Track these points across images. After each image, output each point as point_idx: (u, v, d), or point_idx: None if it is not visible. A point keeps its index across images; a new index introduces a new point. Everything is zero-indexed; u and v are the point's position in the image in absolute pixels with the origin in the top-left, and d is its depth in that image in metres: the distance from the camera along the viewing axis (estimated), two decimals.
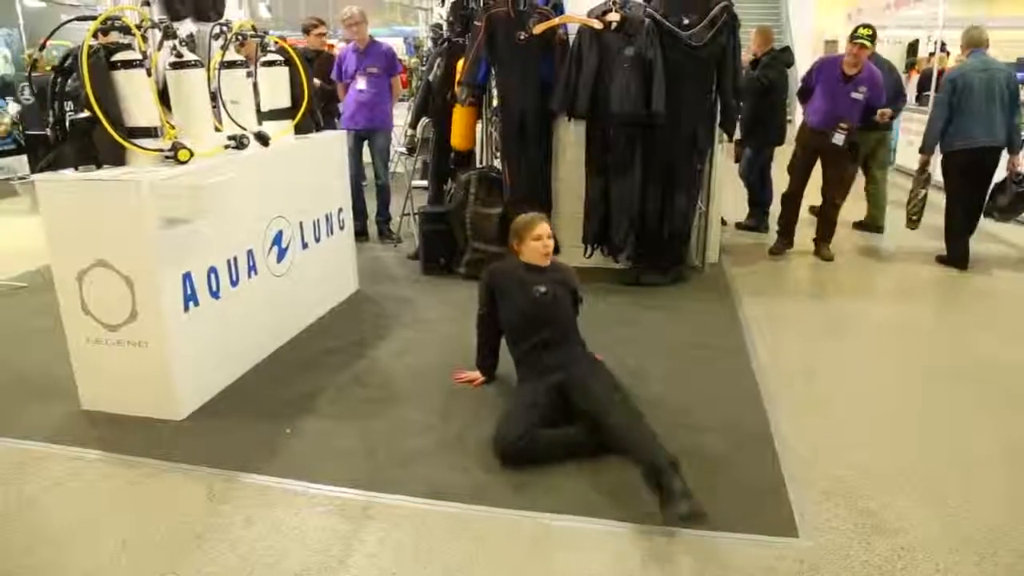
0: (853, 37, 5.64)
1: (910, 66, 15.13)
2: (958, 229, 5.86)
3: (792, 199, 6.17)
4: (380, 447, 3.17)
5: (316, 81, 5.43)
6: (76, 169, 3.24)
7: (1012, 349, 4.24)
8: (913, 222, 6.14)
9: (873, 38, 5.58)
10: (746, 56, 6.48)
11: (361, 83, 6.25)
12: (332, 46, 7.03)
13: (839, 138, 5.71)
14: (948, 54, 12.70)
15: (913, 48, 17.44)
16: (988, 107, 5.51)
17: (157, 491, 2.89)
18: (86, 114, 3.14)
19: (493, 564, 2.47)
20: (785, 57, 6.76)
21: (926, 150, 5.83)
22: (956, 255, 5.84)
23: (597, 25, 4.96)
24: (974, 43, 5.78)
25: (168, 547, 2.54)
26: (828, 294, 5.39)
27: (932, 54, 12.11)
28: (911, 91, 11.76)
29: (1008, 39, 16.11)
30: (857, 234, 6.89)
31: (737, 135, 6.28)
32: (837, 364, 4.10)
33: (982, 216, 5.90)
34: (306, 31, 6.84)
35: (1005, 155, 5.68)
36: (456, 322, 4.60)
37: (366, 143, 6.52)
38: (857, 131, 5.78)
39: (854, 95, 5.65)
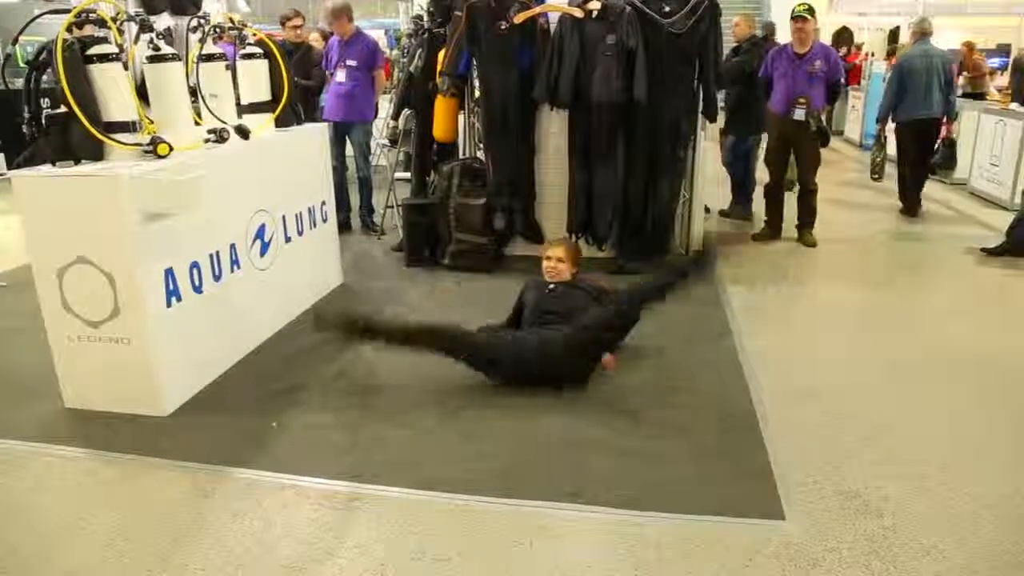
0: (792, 16, 5.89)
1: (891, 53, 15.21)
2: (911, 186, 7.18)
3: (774, 190, 6.23)
4: (367, 439, 3.17)
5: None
6: (54, 165, 3.20)
7: (988, 334, 4.29)
8: (876, 178, 7.60)
9: (811, 11, 5.84)
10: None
11: (340, 75, 6.23)
12: (305, 38, 6.96)
13: (799, 113, 5.86)
14: None
15: (894, 35, 17.52)
16: (928, 86, 6.71)
17: (143, 487, 2.87)
18: (62, 109, 3.10)
19: (483, 554, 2.48)
20: (766, 44, 6.79)
21: (881, 121, 7.13)
22: (910, 206, 7.16)
23: (578, 13, 4.96)
24: (922, 33, 6.98)
25: (155, 543, 2.53)
26: (811, 280, 5.43)
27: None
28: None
29: (988, 25, 16.23)
30: (840, 219, 6.93)
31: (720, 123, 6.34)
32: (822, 349, 4.13)
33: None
34: (282, 23, 6.78)
35: None
36: (441, 313, 4.58)
37: (347, 135, 6.48)
38: (822, 112, 5.95)
39: (808, 69, 5.83)
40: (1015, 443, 3.12)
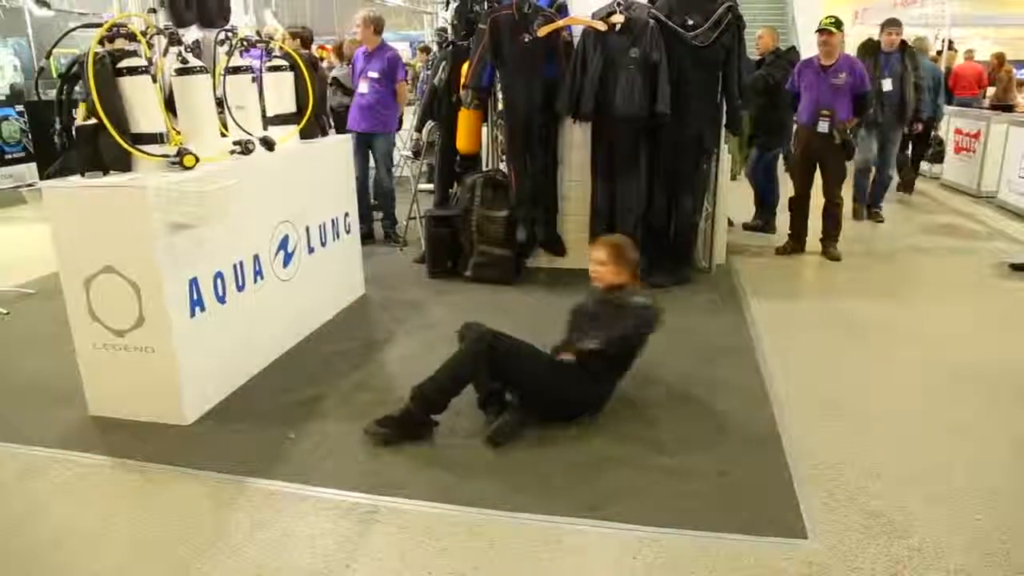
0: (818, 28, 5.94)
1: None
2: (913, 170, 8.90)
3: (798, 202, 6.18)
4: (386, 451, 3.17)
5: None
6: (83, 175, 3.25)
7: (1016, 351, 4.21)
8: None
9: (838, 24, 5.87)
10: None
11: (363, 87, 6.28)
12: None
13: (823, 126, 5.82)
14: (956, 51, 12.70)
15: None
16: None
17: (165, 496, 2.89)
18: (92, 121, 3.16)
19: (501, 567, 2.47)
20: (790, 56, 6.78)
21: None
22: (908, 183, 8.77)
23: (601, 27, 4.96)
24: (920, 51, 7.88)
25: (176, 552, 2.54)
26: (836, 294, 5.36)
27: (940, 52, 12.09)
28: None
29: (1016, 36, 16.04)
30: (866, 233, 6.85)
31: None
32: (845, 365, 4.07)
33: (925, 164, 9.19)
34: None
35: None
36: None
37: (369, 146, 6.53)
38: (849, 124, 5.94)
39: (834, 81, 5.82)
40: None
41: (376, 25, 6.34)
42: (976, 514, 2.69)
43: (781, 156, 7.07)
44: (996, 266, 5.76)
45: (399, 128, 6.98)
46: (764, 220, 7.05)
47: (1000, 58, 11.66)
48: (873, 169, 7.33)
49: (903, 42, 7.07)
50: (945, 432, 3.32)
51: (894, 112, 7.00)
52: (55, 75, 7.11)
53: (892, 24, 7.15)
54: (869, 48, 7.14)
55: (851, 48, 6.84)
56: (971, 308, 5.05)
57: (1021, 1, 15.59)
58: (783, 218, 6.49)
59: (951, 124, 9.35)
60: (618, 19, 4.92)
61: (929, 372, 3.96)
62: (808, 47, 7.24)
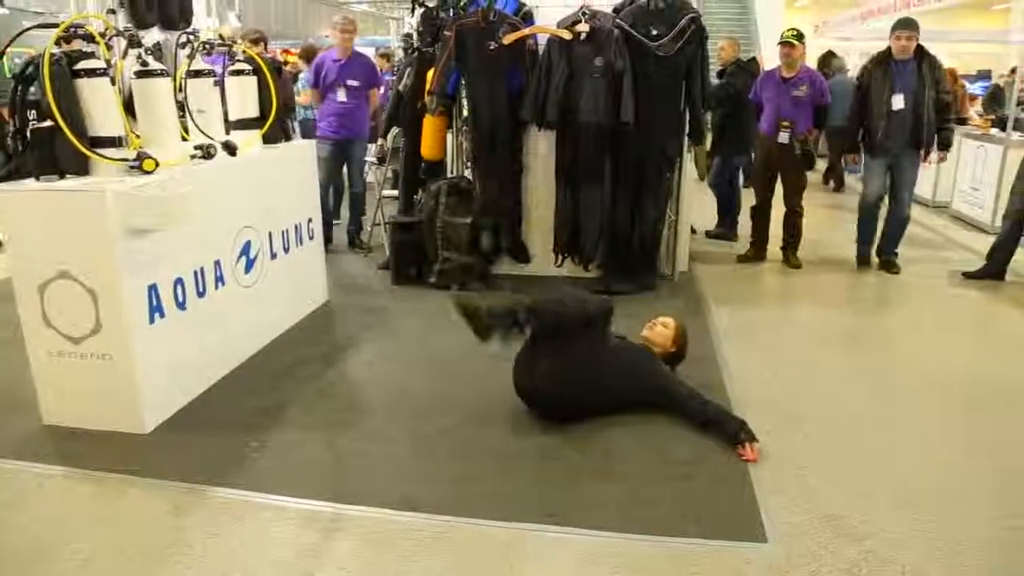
0: (780, 41, 6.02)
1: None
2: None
3: (760, 210, 6.28)
4: (349, 458, 3.15)
5: None
6: (38, 179, 3.18)
7: (970, 357, 4.33)
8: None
9: (800, 37, 5.95)
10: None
11: (342, 95, 6.22)
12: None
13: (784, 136, 5.92)
14: None
15: None
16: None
17: (121, 506, 2.83)
18: (48, 123, 3.09)
19: (465, 575, 2.46)
20: (751, 67, 6.91)
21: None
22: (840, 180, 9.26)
23: (567, 35, 5.00)
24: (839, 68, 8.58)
25: (132, 563, 2.49)
26: (796, 302, 5.46)
27: None
28: None
29: (970, 51, 16.50)
30: (825, 241, 6.98)
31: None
32: (806, 371, 4.14)
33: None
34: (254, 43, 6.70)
35: None
36: (427, 332, 4.58)
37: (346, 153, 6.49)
38: (809, 136, 6.04)
39: (795, 93, 5.92)
40: (998, 469, 3.14)
41: (356, 31, 6.32)
42: (931, 517, 2.75)
43: (742, 166, 7.16)
44: (950, 275, 5.90)
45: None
46: (726, 228, 7.15)
47: (952, 73, 11.97)
48: (884, 206, 6.11)
49: (919, 48, 5.61)
50: (902, 437, 3.39)
51: (907, 136, 5.65)
52: (7, 75, 6.94)
53: (904, 26, 5.67)
54: (826, 60, 7.23)
55: (811, 60, 6.94)
56: (926, 316, 5.17)
57: (971, 16, 16.06)
58: (745, 226, 6.58)
59: None
60: (583, 28, 4.96)
61: (886, 378, 4.05)
62: (771, 61, 7.21)
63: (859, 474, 3.05)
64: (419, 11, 5.89)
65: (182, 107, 3.79)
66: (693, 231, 6.56)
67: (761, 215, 6.29)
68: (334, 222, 6.90)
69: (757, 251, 6.32)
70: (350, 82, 6.23)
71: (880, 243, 6.17)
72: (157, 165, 3.30)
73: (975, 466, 3.15)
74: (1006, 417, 3.58)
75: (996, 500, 2.89)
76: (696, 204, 6.39)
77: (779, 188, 6.17)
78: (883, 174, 5.92)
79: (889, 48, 5.72)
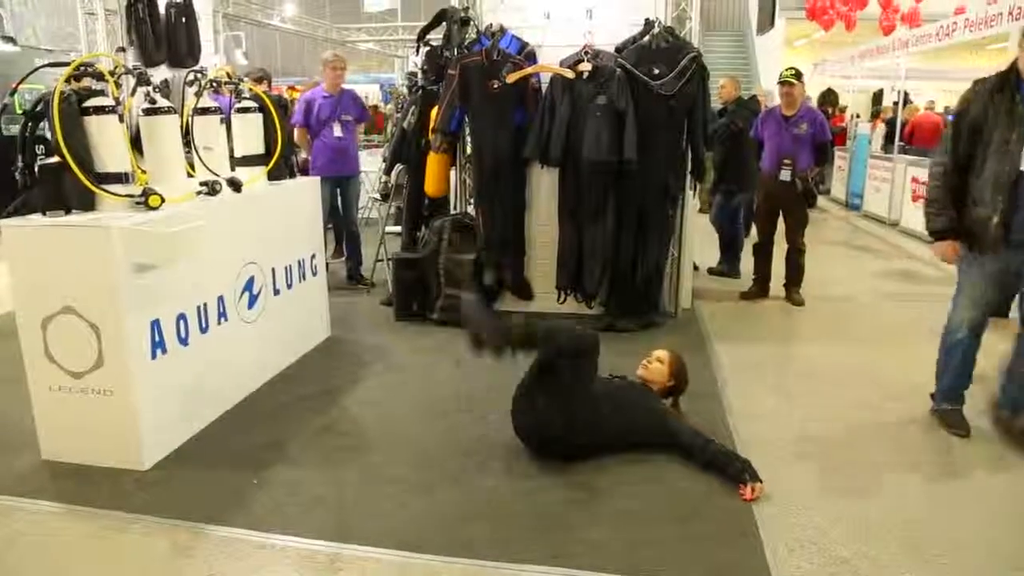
0: (779, 80, 6.08)
1: (875, 114, 15.60)
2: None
3: (762, 248, 6.30)
4: (350, 498, 3.11)
5: None
6: (44, 214, 3.20)
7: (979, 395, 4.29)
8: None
9: (799, 75, 6.02)
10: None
11: (338, 130, 6.26)
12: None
13: (785, 174, 5.97)
14: (918, 107, 13.28)
15: (878, 97, 17.98)
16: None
17: (120, 544, 2.80)
18: (55, 159, 3.12)
19: None
20: (752, 105, 6.98)
21: None
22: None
23: (569, 74, 5.05)
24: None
25: None
26: (799, 340, 5.44)
27: (896, 103, 12.54)
28: (876, 139, 12.11)
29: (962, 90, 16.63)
30: (828, 278, 6.98)
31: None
32: (809, 409, 4.10)
33: None
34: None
35: None
36: (429, 369, 4.57)
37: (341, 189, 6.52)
38: (811, 173, 6.02)
39: (795, 131, 5.98)
40: (1010, 513, 3.10)
41: (346, 68, 6.40)
42: (941, 561, 2.71)
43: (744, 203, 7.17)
44: None
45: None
46: (729, 265, 7.16)
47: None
48: None
49: None
50: (911, 478, 3.35)
51: None
52: (19, 112, 7.02)
53: None
54: (826, 97, 7.25)
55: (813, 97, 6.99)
56: (933, 353, 5.13)
57: (968, 56, 16.21)
58: (748, 263, 6.59)
59: (908, 174, 9.61)
60: (585, 67, 5.02)
61: (894, 417, 4.00)
62: (771, 100, 7.27)
63: (866, 517, 3.00)
64: (424, 49, 5.97)
65: (188, 143, 3.82)
66: (696, 268, 6.57)
67: (763, 252, 6.31)
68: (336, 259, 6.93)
69: (760, 288, 6.33)
70: (344, 117, 6.29)
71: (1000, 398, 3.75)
72: (163, 201, 3.32)
73: (986, 508, 3.11)
74: (1017, 455, 3.54)
75: (1008, 543, 2.85)
76: (698, 241, 6.40)
77: (781, 225, 6.19)
78: (995, 285, 3.64)
79: (1016, 65, 3.31)
